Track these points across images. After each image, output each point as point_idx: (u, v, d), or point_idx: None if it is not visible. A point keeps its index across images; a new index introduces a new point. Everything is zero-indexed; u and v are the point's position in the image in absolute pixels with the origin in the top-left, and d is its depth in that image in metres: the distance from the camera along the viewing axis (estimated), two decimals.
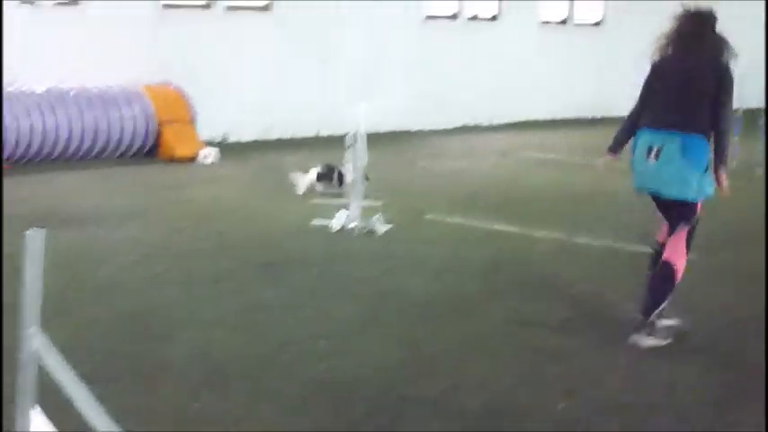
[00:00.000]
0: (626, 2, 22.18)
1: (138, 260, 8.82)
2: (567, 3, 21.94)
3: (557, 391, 6.14)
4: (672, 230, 7.25)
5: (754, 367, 6.69)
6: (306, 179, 12.35)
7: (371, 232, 10.21)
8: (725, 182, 7.17)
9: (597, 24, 22.55)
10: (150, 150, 14.63)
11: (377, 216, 10.41)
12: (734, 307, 8.19)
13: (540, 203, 12.35)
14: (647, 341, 7.08)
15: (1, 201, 10.19)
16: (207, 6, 16.32)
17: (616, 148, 7.65)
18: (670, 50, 7.31)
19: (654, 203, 7.45)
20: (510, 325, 7.46)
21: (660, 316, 7.15)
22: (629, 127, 7.50)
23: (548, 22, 21.64)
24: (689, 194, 7.12)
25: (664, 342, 7.11)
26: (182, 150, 14.60)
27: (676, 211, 7.22)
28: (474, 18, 20.24)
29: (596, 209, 12.11)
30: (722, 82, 7.11)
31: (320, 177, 12.32)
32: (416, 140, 17.57)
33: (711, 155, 7.12)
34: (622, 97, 20.36)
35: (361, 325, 7.33)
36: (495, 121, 20.06)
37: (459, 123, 19.48)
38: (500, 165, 15.44)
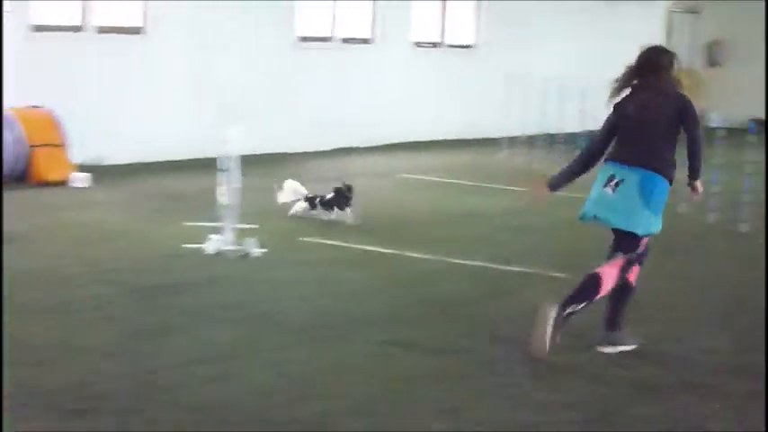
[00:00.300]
0: (496, 27, 22.57)
1: (13, 287, 8.67)
2: (440, 25, 22.22)
3: (432, 414, 6.21)
4: (611, 257, 7.53)
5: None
6: (296, 203, 12.54)
7: (246, 255, 10.21)
8: (699, 186, 7.65)
9: (469, 47, 22.86)
10: (21, 175, 14.39)
11: (251, 239, 10.40)
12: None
13: (415, 225, 12.48)
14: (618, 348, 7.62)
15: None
16: (78, 29, 16.14)
17: (557, 186, 7.87)
18: (630, 88, 7.63)
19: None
20: (385, 347, 7.53)
21: (566, 311, 7.31)
22: (579, 171, 7.80)
23: (421, 44, 21.87)
24: (637, 228, 7.42)
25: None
26: (54, 174, 14.39)
27: (622, 242, 7.50)
28: (348, 40, 20.36)
29: (470, 230, 12.29)
30: (686, 113, 7.45)
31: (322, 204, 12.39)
32: (292, 163, 17.59)
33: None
34: (493, 118, 20.93)
35: (237, 349, 7.33)
36: (371, 143, 20.17)
37: (334, 145, 19.55)
38: (375, 186, 15.54)
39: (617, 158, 7.56)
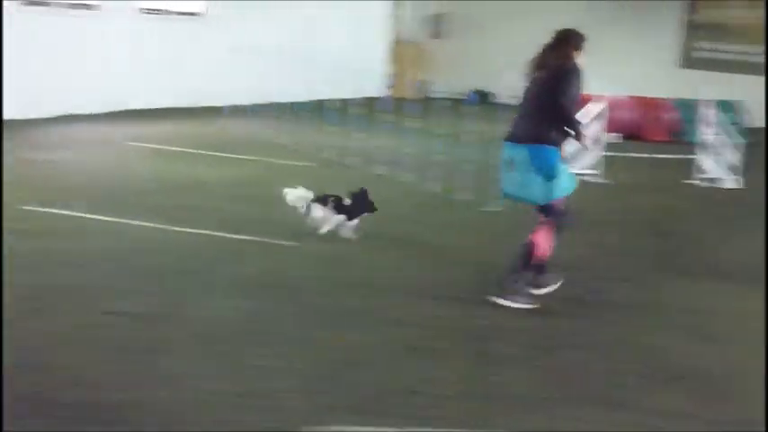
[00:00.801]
0: None
1: None
2: None
3: (156, 381, 6.14)
4: (539, 223, 8.41)
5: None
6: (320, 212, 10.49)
7: None
8: (585, 139, 8.56)
9: (196, 15, 22.61)
10: None
11: None
12: (328, 295, 8.46)
13: (140, 193, 12.27)
14: (505, 302, 8.28)
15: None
16: None
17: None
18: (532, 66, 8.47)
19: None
20: (104, 317, 7.37)
21: (516, 284, 8.31)
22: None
23: (147, 11, 21.49)
24: (537, 199, 8.31)
25: (526, 305, 8.28)
26: None
27: (541, 210, 8.39)
28: (74, 6, 19.79)
29: (197, 198, 12.19)
30: (555, 81, 8.19)
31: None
32: (14, 130, 16.99)
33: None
34: (219, 87, 20.80)
35: None
36: (96, 111, 19.71)
37: (59, 113, 19.00)
38: (100, 154, 15.21)
39: (509, 137, 8.42)
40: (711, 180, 16.37)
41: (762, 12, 28.80)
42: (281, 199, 10.54)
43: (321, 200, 10.40)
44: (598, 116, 16.06)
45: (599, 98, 16.26)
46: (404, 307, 8.16)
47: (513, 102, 20.80)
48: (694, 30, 29.43)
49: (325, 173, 14.64)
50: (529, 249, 8.46)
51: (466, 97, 27.01)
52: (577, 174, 15.68)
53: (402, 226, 11.36)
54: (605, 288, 9.23)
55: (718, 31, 29.08)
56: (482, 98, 27.90)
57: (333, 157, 15.71)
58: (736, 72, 28.04)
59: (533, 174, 8.23)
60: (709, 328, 8.19)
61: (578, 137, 8.38)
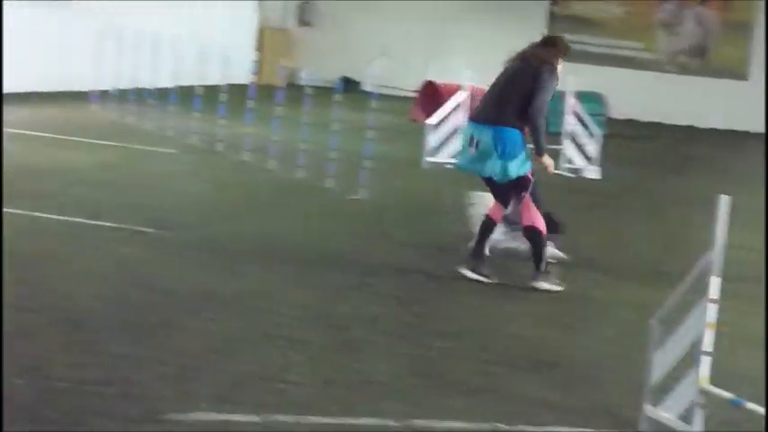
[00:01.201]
0: None
1: None
2: None
3: (15, 371, 6.02)
4: (504, 202, 9.04)
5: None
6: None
7: None
8: (547, 161, 9.11)
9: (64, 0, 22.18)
10: None
11: None
12: (189, 282, 8.41)
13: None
14: (545, 285, 8.89)
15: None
16: None
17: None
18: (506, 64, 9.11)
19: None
20: None
21: (547, 266, 8.98)
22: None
23: None
24: (495, 174, 8.80)
25: (557, 287, 8.92)
26: None
27: (501, 188, 8.95)
28: None
29: (60, 184, 11.95)
30: (537, 84, 8.74)
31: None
32: None
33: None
34: (85, 72, 20.40)
35: None
36: None
37: None
38: None
39: (476, 118, 9.04)
40: (575, 170, 16.68)
41: (625, 8, 29.42)
42: (464, 203, 10.22)
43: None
44: (462, 105, 16.21)
45: (463, 88, 16.42)
46: (267, 295, 8.14)
47: (381, 90, 20.99)
48: (559, 22, 29.90)
49: (189, 159, 14.51)
50: (533, 234, 8.96)
51: (333, 85, 27.03)
52: (443, 163, 15.89)
53: (266, 213, 11.33)
54: (466, 276, 9.32)
55: (582, 23, 29.61)
56: (349, 86, 27.93)
57: (198, 144, 15.58)
58: (598, 64, 28.59)
59: (494, 155, 8.77)
60: (569, 317, 8.35)
61: (538, 150, 8.99)
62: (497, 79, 9.10)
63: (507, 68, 9.08)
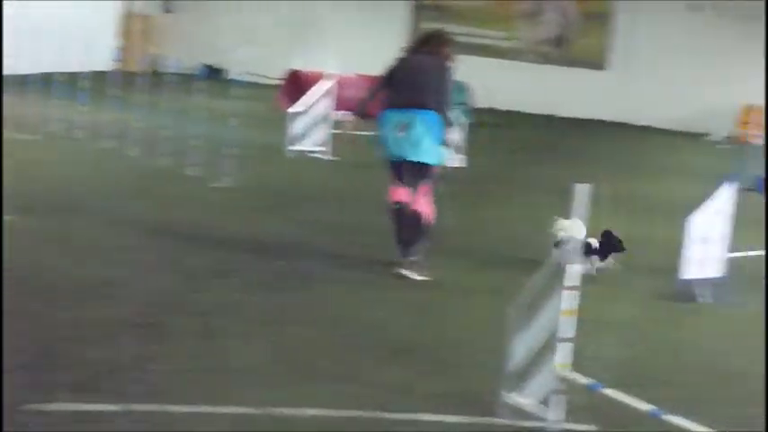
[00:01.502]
0: None
1: None
2: None
3: None
4: (415, 189, 9.22)
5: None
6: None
7: None
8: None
9: None
10: None
11: None
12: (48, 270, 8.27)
13: None
14: (416, 276, 9.05)
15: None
16: None
17: (364, 114, 9.69)
18: (407, 53, 9.55)
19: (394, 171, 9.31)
20: None
21: (423, 254, 9.21)
22: (371, 99, 9.61)
23: None
24: (431, 159, 9.18)
25: (424, 277, 9.11)
26: None
27: (420, 174, 9.21)
28: None
29: None
30: (447, 77, 9.35)
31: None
32: None
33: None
34: None
35: None
36: None
37: None
38: None
39: (399, 106, 9.27)
40: None
41: None
42: (551, 229, 10.01)
43: (586, 246, 9.73)
44: (327, 94, 16.22)
45: (328, 76, 16.42)
46: (127, 282, 8.05)
47: (246, 78, 20.90)
48: (423, 11, 30.10)
49: (50, 146, 14.25)
50: (418, 220, 9.24)
51: (197, 72, 26.79)
52: (306, 151, 15.89)
53: (127, 201, 11.20)
54: (330, 264, 9.36)
55: (445, 12, 29.85)
56: (213, 74, 27.73)
57: (58, 131, 15.30)
58: (461, 53, 28.80)
59: (427, 137, 9.14)
60: (431, 303, 8.43)
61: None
62: (407, 70, 9.36)
63: (415, 60, 9.41)
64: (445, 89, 9.33)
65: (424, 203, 9.31)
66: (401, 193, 9.34)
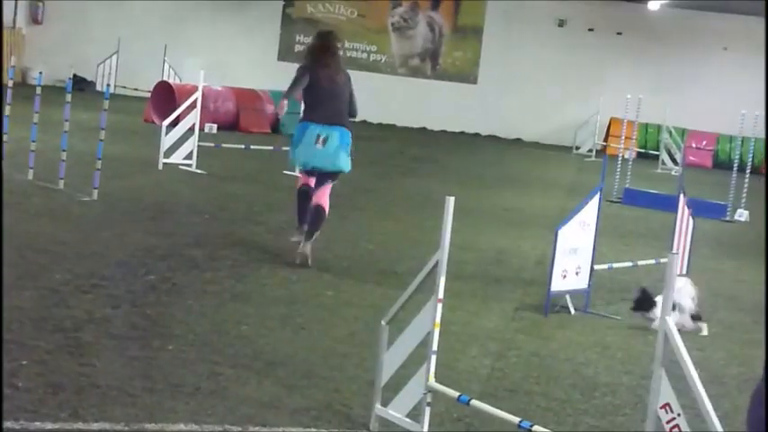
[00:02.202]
0: None
1: None
2: None
3: None
4: (321, 185, 10.53)
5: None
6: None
7: None
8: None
9: None
10: None
11: None
12: None
13: None
14: (307, 248, 10.29)
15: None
16: None
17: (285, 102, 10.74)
18: (312, 59, 10.59)
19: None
20: None
21: (313, 237, 10.39)
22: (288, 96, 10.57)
23: None
24: (345, 167, 10.55)
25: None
26: None
27: (329, 177, 10.54)
28: None
29: None
30: (351, 90, 10.63)
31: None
32: None
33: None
34: None
35: None
36: None
37: None
38: None
39: (319, 120, 10.40)
40: None
41: (358, 11, 29.85)
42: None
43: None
44: (196, 106, 16.09)
45: (196, 88, 16.29)
46: None
47: (115, 90, 20.55)
48: (292, 23, 30.08)
49: None
50: (321, 212, 10.42)
51: (64, 84, 26.37)
52: (176, 164, 15.74)
53: None
54: (201, 278, 9.27)
55: (315, 25, 29.92)
56: (82, 85, 27.32)
57: None
58: None
59: (341, 150, 10.39)
60: (301, 317, 8.39)
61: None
62: (324, 86, 10.41)
63: (326, 75, 10.45)
64: (352, 102, 10.66)
65: (326, 199, 10.53)
66: (309, 181, 10.64)
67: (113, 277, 8.90)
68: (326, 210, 10.56)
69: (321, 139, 10.39)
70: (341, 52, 11.06)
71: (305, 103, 10.66)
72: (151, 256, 9.90)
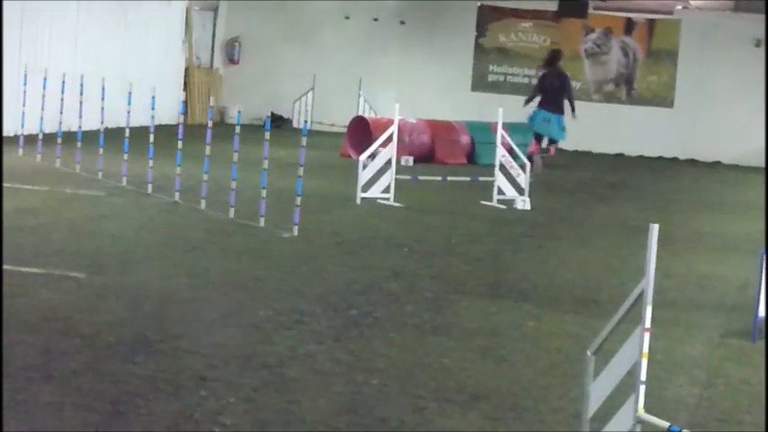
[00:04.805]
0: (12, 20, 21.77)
1: None
2: None
3: None
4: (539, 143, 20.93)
5: (137, 385, 6.80)
6: None
7: None
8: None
9: None
10: None
11: None
12: (118, 326, 8.27)
13: None
14: None
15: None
16: None
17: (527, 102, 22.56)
18: (546, 68, 22.89)
19: None
20: None
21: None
22: (529, 100, 22.50)
23: None
24: (557, 136, 22.22)
25: None
26: None
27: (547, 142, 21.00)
28: None
29: None
30: (568, 84, 22.22)
31: None
32: None
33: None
34: (8, 115, 20.11)
35: None
36: None
37: None
38: None
39: (546, 108, 21.93)
40: (506, 202, 16.73)
41: (550, 38, 29.69)
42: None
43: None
44: (392, 139, 16.22)
45: (392, 121, 16.42)
46: (198, 337, 8.00)
47: (312, 126, 20.86)
48: (485, 53, 30.09)
49: (118, 201, 14.35)
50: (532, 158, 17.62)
51: (262, 122, 26.95)
52: (374, 198, 15.88)
53: (196, 254, 11.21)
54: (401, 311, 9.29)
55: (507, 54, 29.88)
56: (279, 123, 27.90)
57: (126, 186, 15.43)
58: (525, 95, 28.90)
59: (558, 126, 21.63)
60: (503, 349, 8.32)
61: (573, 112, 22.91)
62: (555, 86, 21.87)
63: (555, 78, 20.42)
64: (569, 92, 21.21)
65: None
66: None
67: (315, 312, 9.00)
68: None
69: (547, 120, 21.21)
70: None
71: (541, 98, 22.26)
72: (351, 290, 9.98)
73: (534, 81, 26.45)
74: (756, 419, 6.96)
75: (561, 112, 22.41)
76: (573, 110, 22.49)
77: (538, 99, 22.83)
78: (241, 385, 6.91)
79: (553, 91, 22.36)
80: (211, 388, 6.80)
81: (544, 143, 23.10)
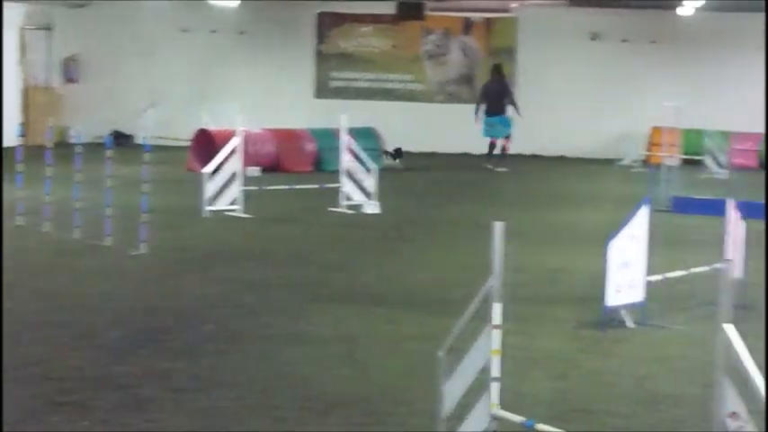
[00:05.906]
0: None
1: None
2: None
3: None
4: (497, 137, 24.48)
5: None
6: None
7: None
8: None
9: None
10: None
11: None
12: None
13: None
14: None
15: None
16: None
17: (477, 112, 25.13)
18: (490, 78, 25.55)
19: None
20: None
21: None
22: (478, 107, 25.22)
23: None
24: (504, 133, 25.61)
25: None
26: None
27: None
28: None
29: None
30: (508, 90, 25.40)
31: None
32: None
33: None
34: None
35: None
36: None
37: None
38: None
39: (489, 113, 24.78)
40: (355, 207, 16.80)
41: (391, 42, 29.91)
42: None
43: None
44: (236, 151, 16.15)
45: (236, 132, 16.34)
46: (49, 361, 7.86)
47: (155, 142, 20.73)
48: (327, 60, 30.16)
49: None
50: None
51: (104, 140, 26.51)
52: (222, 210, 15.78)
53: (43, 278, 11.00)
54: (257, 322, 9.26)
55: (350, 60, 29.99)
56: (122, 140, 27.49)
57: None
58: (369, 99, 29.07)
59: (502, 126, 23.84)
60: (359, 354, 8.36)
61: (516, 111, 25.68)
62: (492, 91, 24.25)
63: (495, 85, 22.98)
64: (509, 95, 24.66)
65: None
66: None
67: (169, 329, 8.91)
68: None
69: (491, 123, 24.68)
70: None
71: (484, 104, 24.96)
72: (203, 304, 9.91)
73: (382, 85, 26.74)
74: (611, 408, 7.12)
75: (503, 112, 25.19)
76: (517, 110, 25.09)
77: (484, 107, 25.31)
78: (96, 408, 6.80)
79: (493, 96, 25.14)
80: (65, 412, 6.68)
81: (499, 144, 25.54)
